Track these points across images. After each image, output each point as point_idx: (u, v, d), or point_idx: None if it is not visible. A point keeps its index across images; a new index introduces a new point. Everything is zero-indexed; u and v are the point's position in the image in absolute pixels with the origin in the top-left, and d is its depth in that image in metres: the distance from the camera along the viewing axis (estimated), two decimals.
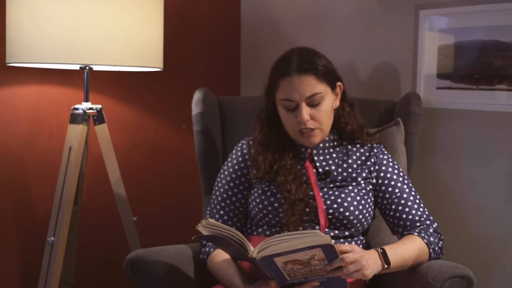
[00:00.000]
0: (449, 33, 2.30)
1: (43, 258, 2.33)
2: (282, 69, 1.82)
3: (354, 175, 1.89)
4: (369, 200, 1.87)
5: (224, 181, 1.97)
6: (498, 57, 2.16)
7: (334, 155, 1.92)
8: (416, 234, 1.80)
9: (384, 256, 1.68)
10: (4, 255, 2.54)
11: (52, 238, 2.29)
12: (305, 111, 1.80)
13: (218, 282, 1.84)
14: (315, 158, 1.91)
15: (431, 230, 1.81)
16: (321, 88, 1.81)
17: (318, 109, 1.82)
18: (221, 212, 1.95)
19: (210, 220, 1.65)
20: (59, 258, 2.28)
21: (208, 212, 2.00)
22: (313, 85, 1.80)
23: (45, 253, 2.33)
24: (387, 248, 1.70)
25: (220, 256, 1.84)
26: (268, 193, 1.87)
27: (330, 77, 1.84)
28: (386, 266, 1.68)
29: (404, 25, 2.43)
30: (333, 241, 1.54)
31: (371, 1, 2.54)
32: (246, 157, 1.96)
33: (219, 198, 1.96)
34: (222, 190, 1.97)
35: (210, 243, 1.91)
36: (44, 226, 2.39)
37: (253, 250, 1.59)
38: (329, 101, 1.85)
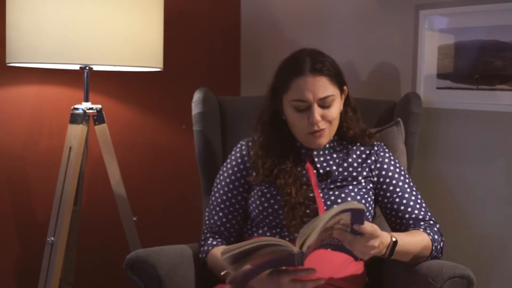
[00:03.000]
0: (449, 33, 2.30)
1: (43, 258, 2.33)
2: (295, 69, 1.80)
3: (354, 174, 1.89)
4: (369, 199, 1.87)
5: (223, 183, 1.97)
6: (498, 57, 2.16)
7: (335, 155, 1.92)
8: (422, 230, 1.80)
9: (392, 249, 1.66)
10: (4, 255, 2.55)
11: (52, 238, 2.29)
12: (317, 112, 1.79)
13: (219, 282, 1.84)
14: (316, 159, 1.90)
15: (435, 229, 1.82)
16: (333, 90, 1.81)
17: (329, 111, 1.81)
18: (220, 214, 1.95)
19: (232, 247, 1.55)
20: (59, 258, 2.28)
21: (207, 214, 2.00)
22: (327, 87, 1.79)
23: (45, 253, 2.33)
24: (399, 240, 1.67)
25: (220, 250, 1.84)
26: (268, 195, 1.87)
27: (340, 80, 1.84)
28: (385, 256, 1.67)
29: (404, 25, 2.43)
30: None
31: (371, 1, 2.54)
32: (246, 158, 1.95)
33: (218, 200, 1.96)
34: (221, 191, 1.96)
35: (209, 242, 1.92)
36: (44, 226, 2.39)
37: (297, 245, 1.52)
38: (338, 104, 1.85)
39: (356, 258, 1.63)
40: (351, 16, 2.62)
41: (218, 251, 1.84)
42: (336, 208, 1.51)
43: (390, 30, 2.49)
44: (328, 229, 1.56)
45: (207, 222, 1.99)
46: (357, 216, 1.54)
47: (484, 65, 2.20)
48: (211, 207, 1.98)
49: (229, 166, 1.98)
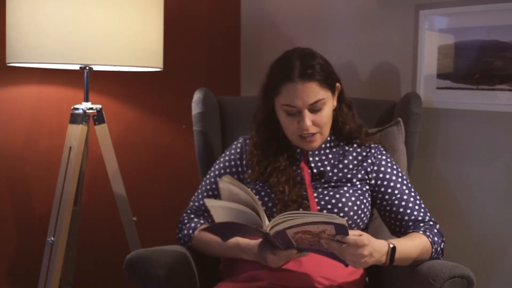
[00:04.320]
0: (449, 33, 2.30)
1: (43, 258, 2.33)
2: (285, 74, 1.79)
3: (349, 175, 1.88)
4: (365, 201, 1.86)
5: (217, 172, 1.99)
6: (498, 57, 2.16)
7: (330, 156, 1.92)
8: (421, 232, 1.79)
9: (391, 255, 1.66)
10: (4, 255, 2.55)
11: (52, 238, 2.29)
12: (308, 117, 1.79)
13: (219, 280, 1.84)
14: (310, 159, 1.90)
15: (435, 231, 1.81)
16: (324, 94, 1.81)
17: (320, 115, 1.81)
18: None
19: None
20: (59, 258, 2.28)
21: (194, 196, 2.01)
22: (316, 92, 1.79)
23: (45, 253, 2.33)
24: (397, 245, 1.67)
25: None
26: (262, 193, 1.87)
27: (331, 81, 1.84)
28: (387, 264, 1.67)
29: (404, 25, 2.43)
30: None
31: (371, 1, 2.54)
32: (244, 155, 1.96)
33: (208, 187, 1.98)
34: (212, 179, 1.98)
35: (196, 220, 1.94)
36: (44, 226, 2.39)
37: (267, 225, 1.59)
38: (330, 105, 1.85)
39: (346, 265, 1.63)
40: (351, 16, 2.62)
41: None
42: (318, 217, 1.53)
43: (390, 30, 2.49)
44: (315, 235, 1.57)
45: (192, 204, 2.00)
46: (341, 229, 1.55)
47: (484, 65, 2.20)
48: (199, 191, 2.00)
49: (226, 158, 2.00)
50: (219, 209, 1.64)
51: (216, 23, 2.97)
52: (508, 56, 2.13)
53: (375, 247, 1.61)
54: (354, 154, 1.92)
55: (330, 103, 1.84)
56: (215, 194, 1.96)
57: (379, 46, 2.53)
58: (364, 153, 1.92)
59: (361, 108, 1.99)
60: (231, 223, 1.63)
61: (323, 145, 1.92)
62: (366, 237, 1.59)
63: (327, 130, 1.87)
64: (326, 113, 1.83)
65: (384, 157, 1.93)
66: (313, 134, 1.83)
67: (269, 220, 1.63)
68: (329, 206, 1.82)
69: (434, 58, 2.34)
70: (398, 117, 2.20)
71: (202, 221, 1.95)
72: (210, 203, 1.65)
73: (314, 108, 1.80)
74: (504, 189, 2.22)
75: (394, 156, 2.07)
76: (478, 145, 2.27)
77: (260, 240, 1.72)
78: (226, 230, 1.70)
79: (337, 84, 1.87)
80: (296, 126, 1.82)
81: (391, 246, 1.65)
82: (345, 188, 1.86)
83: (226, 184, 1.66)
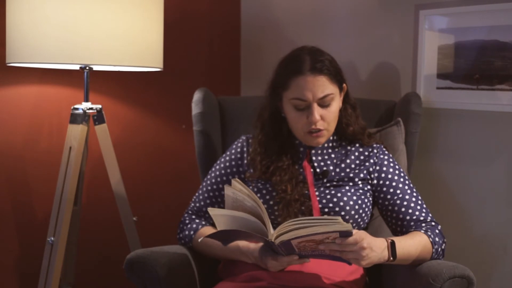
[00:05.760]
0: (449, 33, 2.30)
1: (43, 258, 2.33)
2: (294, 68, 1.80)
3: (351, 175, 1.88)
4: (366, 200, 1.86)
5: (217, 172, 1.99)
6: (498, 57, 2.16)
7: (333, 156, 1.92)
8: (423, 231, 1.79)
9: (392, 249, 1.66)
10: (4, 255, 2.55)
11: (52, 238, 2.29)
12: (317, 111, 1.80)
13: (219, 280, 1.84)
14: (313, 158, 1.91)
15: (436, 231, 1.81)
16: (333, 89, 1.81)
17: (328, 110, 1.82)
18: (208, 201, 1.97)
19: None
20: (59, 258, 2.28)
21: (194, 197, 2.01)
22: (326, 86, 1.80)
23: (45, 253, 2.33)
24: (396, 241, 1.68)
25: (211, 229, 1.85)
26: (264, 191, 1.87)
27: (339, 78, 1.85)
28: (391, 259, 1.66)
29: (404, 25, 2.43)
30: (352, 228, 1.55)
31: (371, 1, 2.54)
32: (245, 155, 1.96)
33: (209, 187, 1.98)
34: (213, 180, 1.98)
35: (198, 221, 1.95)
36: (44, 226, 2.39)
37: (272, 234, 1.59)
38: (338, 102, 1.85)
39: (349, 263, 1.64)
40: (351, 16, 2.62)
41: (210, 229, 1.86)
42: (325, 227, 1.53)
43: (390, 30, 2.49)
44: (318, 242, 1.58)
45: (192, 204, 2.01)
46: (344, 233, 1.55)
47: (484, 65, 2.20)
48: (200, 191, 2.00)
49: (227, 158, 1.99)
50: (222, 218, 1.64)
51: (216, 23, 2.97)
52: (508, 56, 2.14)
53: (373, 242, 1.61)
54: (356, 153, 1.93)
55: (337, 100, 1.85)
56: (216, 194, 1.96)
57: (379, 46, 2.53)
58: (366, 153, 1.92)
59: (361, 108, 1.99)
60: (234, 230, 1.63)
61: (326, 145, 1.92)
62: (362, 232, 1.60)
63: (333, 127, 1.87)
64: (334, 110, 1.83)
65: (386, 157, 1.93)
66: (320, 130, 1.83)
67: (273, 225, 1.63)
68: (331, 205, 1.82)
69: (434, 58, 2.34)
70: (398, 117, 2.20)
71: (203, 222, 1.95)
72: (213, 211, 1.65)
73: (323, 103, 1.81)
74: (504, 189, 2.22)
75: (394, 156, 2.07)
76: (478, 145, 2.27)
77: (260, 244, 1.72)
78: (228, 236, 1.70)
79: (344, 85, 1.88)
80: (305, 121, 1.82)
81: (390, 241, 1.66)
82: (347, 188, 1.86)
83: (232, 190, 1.65)
